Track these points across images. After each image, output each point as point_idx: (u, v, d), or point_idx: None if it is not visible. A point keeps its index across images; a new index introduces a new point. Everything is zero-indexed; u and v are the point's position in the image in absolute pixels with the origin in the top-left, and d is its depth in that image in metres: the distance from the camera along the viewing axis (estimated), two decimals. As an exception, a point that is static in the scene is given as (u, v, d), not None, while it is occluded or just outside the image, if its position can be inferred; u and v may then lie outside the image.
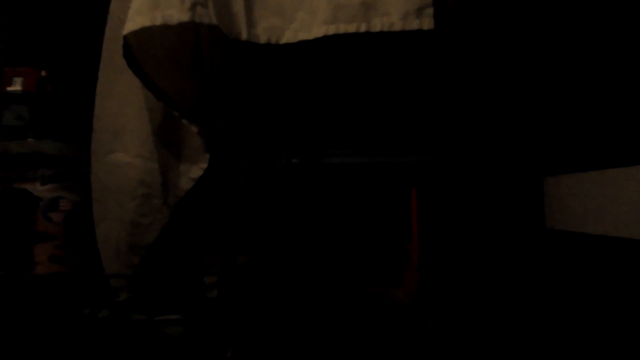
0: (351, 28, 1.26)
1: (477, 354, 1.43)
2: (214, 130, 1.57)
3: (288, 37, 1.31)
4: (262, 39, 1.30)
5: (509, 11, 1.47)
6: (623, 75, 1.05)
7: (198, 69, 1.50)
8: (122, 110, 1.48)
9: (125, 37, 1.24)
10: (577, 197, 1.18)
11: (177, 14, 1.17)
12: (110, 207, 1.51)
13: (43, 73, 2.25)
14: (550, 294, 1.32)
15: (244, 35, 1.28)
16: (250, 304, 1.61)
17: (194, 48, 1.47)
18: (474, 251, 1.45)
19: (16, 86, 2.20)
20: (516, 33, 1.44)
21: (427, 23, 1.23)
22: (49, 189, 1.96)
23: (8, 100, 2.15)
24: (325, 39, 1.28)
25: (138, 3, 1.19)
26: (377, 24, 1.25)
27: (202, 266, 1.68)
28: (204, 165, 1.49)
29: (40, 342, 1.25)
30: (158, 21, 1.19)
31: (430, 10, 1.23)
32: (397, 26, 1.24)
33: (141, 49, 1.31)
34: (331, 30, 1.26)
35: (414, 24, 1.24)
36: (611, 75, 1.10)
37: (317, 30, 1.27)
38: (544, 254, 1.32)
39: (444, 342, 1.54)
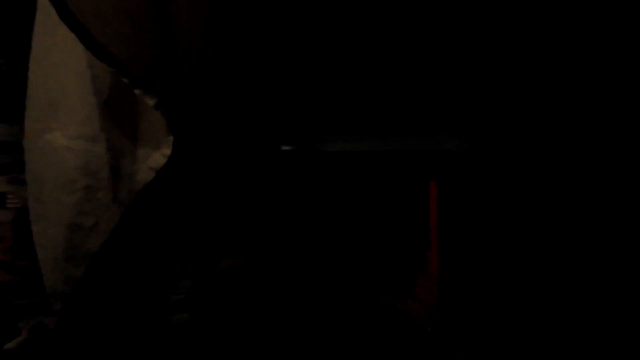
0: None
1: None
2: (186, 107, 1.29)
3: None
4: None
5: None
6: None
7: (157, 22, 1.17)
8: (59, 77, 1.16)
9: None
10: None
11: None
12: (45, 205, 1.18)
13: (-6, 49, 1.93)
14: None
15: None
16: (239, 323, 1.35)
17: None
18: (534, 264, 1.11)
19: (-39, 63, 1.89)
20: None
21: None
22: (-5, 183, 1.66)
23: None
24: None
25: None
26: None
27: (170, 278, 1.36)
28: (167, 152, 1.17)
29: None
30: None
31: None
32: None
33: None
34: None
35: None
36: None
37: None
38: None
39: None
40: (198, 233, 1.42)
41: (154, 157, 1.19)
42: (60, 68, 1.16)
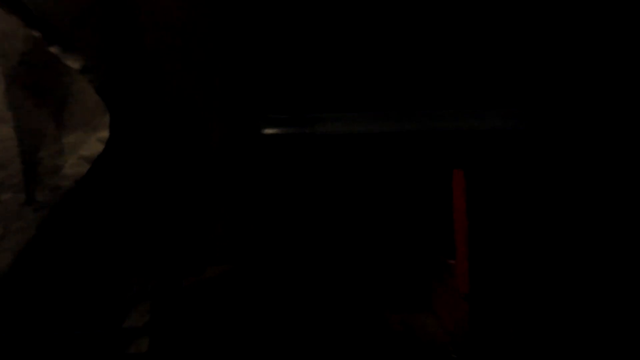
0: None
1: None
2: (153, 82, 1.00)
3: None
4: None
5: None
6: None
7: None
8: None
9: None
10: None
11: None
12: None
13: None
14: None
15: None
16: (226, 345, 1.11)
17: None
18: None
19: None
20: None
21: None
22: None
23: None
24: None
25: None
26: None
27: (124, 300, 1.06)
28: (104, 135, 0.89)
29: None
30: None
31: None
32: None
33: None
34: None
35: None
36: None
37: None
38: None
39: None
40: (161, 241, 1.13)
41: (89, 144, 0.90)
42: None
